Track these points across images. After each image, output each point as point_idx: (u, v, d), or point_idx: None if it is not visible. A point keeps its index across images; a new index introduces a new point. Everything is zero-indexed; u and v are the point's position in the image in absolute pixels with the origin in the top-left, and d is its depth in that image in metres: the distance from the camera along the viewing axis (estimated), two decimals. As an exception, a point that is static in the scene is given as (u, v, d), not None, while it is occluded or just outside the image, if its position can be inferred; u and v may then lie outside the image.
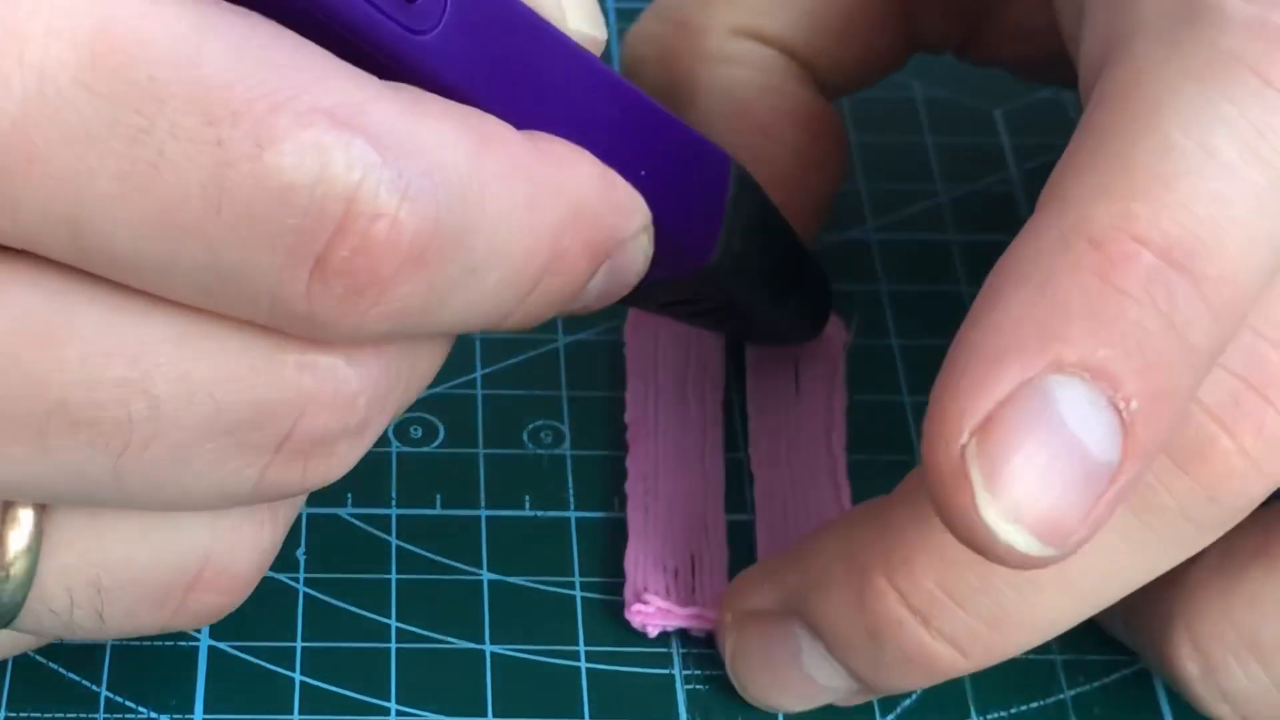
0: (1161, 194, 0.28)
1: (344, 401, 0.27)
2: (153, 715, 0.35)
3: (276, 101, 0.25)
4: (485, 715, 0.35)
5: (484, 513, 0.38)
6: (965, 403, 0.27)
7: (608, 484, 0.39)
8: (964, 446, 0.27)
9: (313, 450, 0.28)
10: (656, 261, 0.32)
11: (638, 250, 0.30)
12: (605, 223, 0.29)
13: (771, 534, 0.38)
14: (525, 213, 0.27)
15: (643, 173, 0.31)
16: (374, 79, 0.26)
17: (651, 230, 0.31)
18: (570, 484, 0.39)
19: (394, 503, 0.38)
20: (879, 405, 0.41)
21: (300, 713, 0.35)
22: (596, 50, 0.31)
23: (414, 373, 0.29)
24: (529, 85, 0.29)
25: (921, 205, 0.45)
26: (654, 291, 0.33)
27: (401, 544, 0.38)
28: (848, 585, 0.33)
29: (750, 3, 0.40)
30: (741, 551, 0.38)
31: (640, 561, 0.37)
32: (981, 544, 0.27)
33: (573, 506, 0.39)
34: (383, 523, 0.38)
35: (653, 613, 0.36)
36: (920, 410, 0.41)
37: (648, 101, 0.32)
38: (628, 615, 0.36)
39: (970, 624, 0.31)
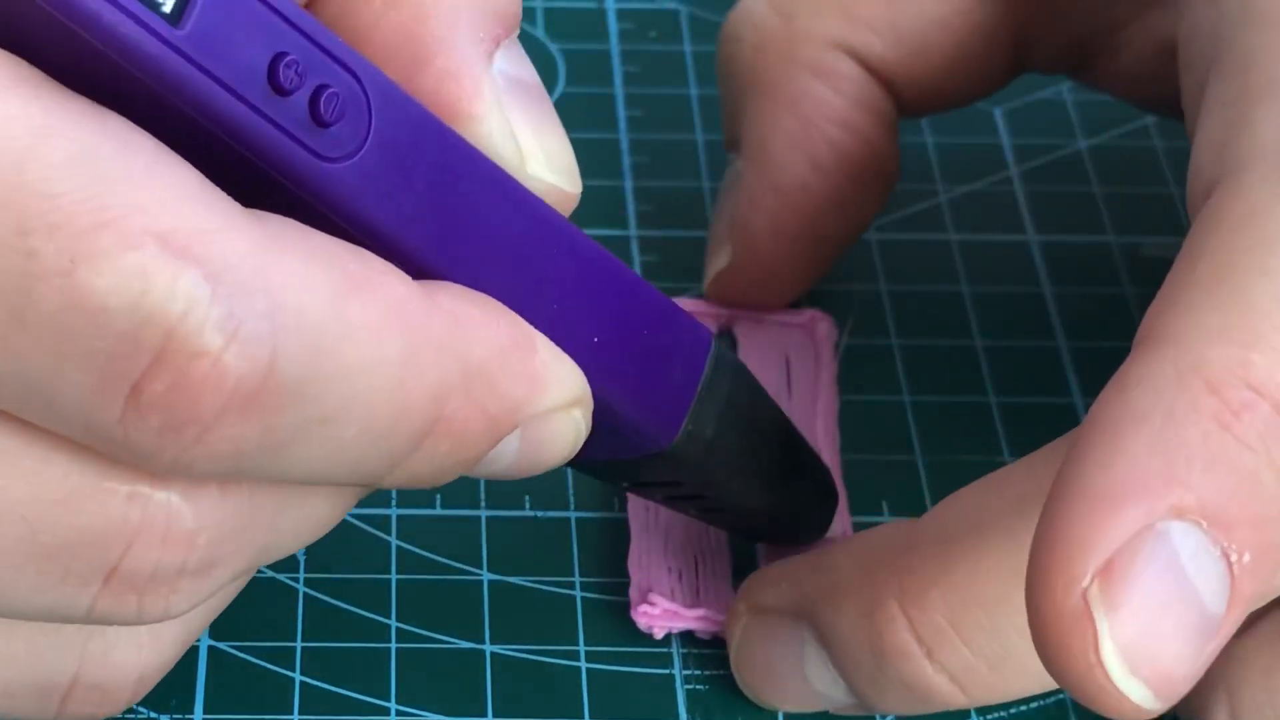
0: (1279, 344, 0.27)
1: (178, 539, 0.26)
2: (153, 715, 0.35)
3: (103, 219, 0.23)
4: (485, 715, 0.35)
5: (484, 513, 0.38)
6: (1087, 543, 0.26)
7: (608, 484, 0.39)
8: (1085, 590, 0.26)
9: (147, 586, 0.27)
10: (607, 435, 0.30)
11: (564, 426, 0.29)
12: (509, 392, 0.28)
13: (773, 544, 0.38)
14: (396, 370, 0.26)
15: (595, 339, 0.29)
16: (236, 207, 0.25)
17: (588, 405, 0.29)
18: (570, 484, 0.39)
19: (394, 503, 0.38)
20: (879, 405, 0.41)
21: (300, 713, 0.35)
22: (564, 204, 0.30)
23: (279, 521, 0.28)
24: (461, 230, 0.27)
25: (921, 205, 0.45)
26: (618, 469, 0.32)
27: (401, 544, 0.38)
28: (860, 603, 0.32)
29: (862, 16, 0.39)
30: (743, 551, 0.38)
31: (644, 563, 0.37)
32: (1095, 692, 0.26)
33: (573, 506, 0.39)
34: (383, 523, 0.38)
35: (659, 614, 0.36)
36: (920, 410, 0.41)
37: (616, 264, 0.30)
38: (634, 616, 0.36)
39: (973, 663, 0.31)
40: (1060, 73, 0.41)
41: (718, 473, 0.33)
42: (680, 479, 0.33)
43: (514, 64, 0.30)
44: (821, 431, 0.39)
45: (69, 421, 0.25)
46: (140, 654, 0.29)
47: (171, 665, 0.31)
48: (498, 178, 0.28)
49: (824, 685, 0.34)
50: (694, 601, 0.36)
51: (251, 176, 0.25)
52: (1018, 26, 0.39)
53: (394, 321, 0.26)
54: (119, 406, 0.24)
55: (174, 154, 0.25)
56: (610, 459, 0.32)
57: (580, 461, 0.31)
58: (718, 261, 0.41)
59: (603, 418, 0.30)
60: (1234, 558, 0.26)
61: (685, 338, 0.32)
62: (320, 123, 0.25)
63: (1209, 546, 0.26)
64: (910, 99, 0.40)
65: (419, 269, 0.27)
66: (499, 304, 0.28)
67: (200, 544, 0.27)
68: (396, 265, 0.27)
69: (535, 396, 0.28)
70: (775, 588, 0.34)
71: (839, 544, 0.34)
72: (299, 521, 0.28)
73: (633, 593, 0.36)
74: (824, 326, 0.41)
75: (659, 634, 0.36)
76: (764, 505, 0.35)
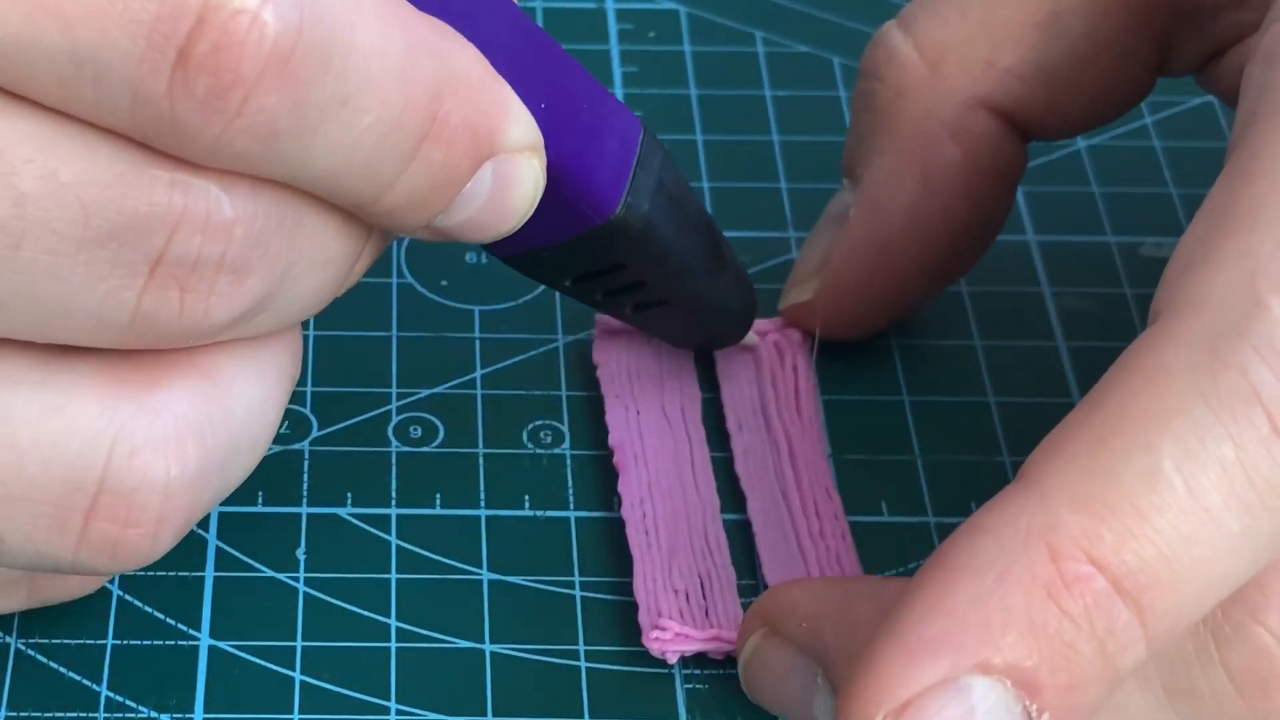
0: (1134, 525, 0.28)
1: (217, 226, 0.28)
2: (153, 715, 0.35)
3: None
4: (485, 715, 0.35)
5: (484, 513, 0.38)
6: (887, 683, 0.28)
7: (607, 484, 0.39)
8: None
9: (189, 279, 0.28)
10: (555, 208, 0.32)
11: (526, 169, 0.30)
12: (489, 111, 0.29)
13: (774, 553, 0.38)
14: (401, 59, 0.28)
15: (542, 106, 0.31)
16: None
17: (543, 155, 0.31)
18: (570, 484, 0.39)
19: (394, 503, 0.38)
20: (878, 405, 0.41)
21: (300, 712, 0.35)
22: None
23: (299, 234, 0.29)
24: None
25: (921, 205, 0.45)
26: (561, 256, 0.33)
27: (401, 544, 0.38)
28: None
29: (1011, 67, 0.38)
30: (747, 569, 0.38)
31: (650, 587, 0.37)
32: None
33: (573, 506, 0.39)
34: (383, 523, 0.38)
35: (671, 638, 0.36)
36: (918, 410, 0.41)
37: (554, 44, 0.32)
38: (646, 643, 0.36)
39: None
40: (1193, 70, 0.41)
41: (654, 251, 0.34)
42: (622, 259, 0.34)
43: None
44: (808, 437, 0.39)
45: (118, 98, 0.26)
46: (165, 461, 0.30)
47: (196, 499, 0.30)
48: None
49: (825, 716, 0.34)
50: (704, 622, 0.36)
51: None
52: (1159, 44, 0.39)
53: (397, 17, 0.28)
54: (166, 75, 0.26)
55: None
56: (558, 241, 0.33)
57: (529, 248, 0.33)
58: (800, 294, 0.41)
59: (552, 185, 0.32)
60: (1034, 716, 0.28)
61: (618, 118, 0.33)
62: None
63: (1010, 703, 0.28)
64: (1051, 132, 0.40)
65: None
66: (466, 40, 0.30)
67: (237, 235, 0.28)
68: None
69: (507, 124, 0.30)
70: (794, 620, 0.34)
71: (864, 592, 0.34)
72: (317, 243, 0.30)
73: (642, 618, 0.36)
74: (796, 334, 0.41)
75: (672, 659, 0.36)
76: (695, 293, 0.36)
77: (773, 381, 0.41)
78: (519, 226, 0.31)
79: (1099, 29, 0.38)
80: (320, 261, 0.30)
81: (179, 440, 0.30)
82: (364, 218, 0.30)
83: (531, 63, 0.31)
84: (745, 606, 0.37)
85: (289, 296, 0.30)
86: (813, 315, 0.41)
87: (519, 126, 0.30)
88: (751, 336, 0.40)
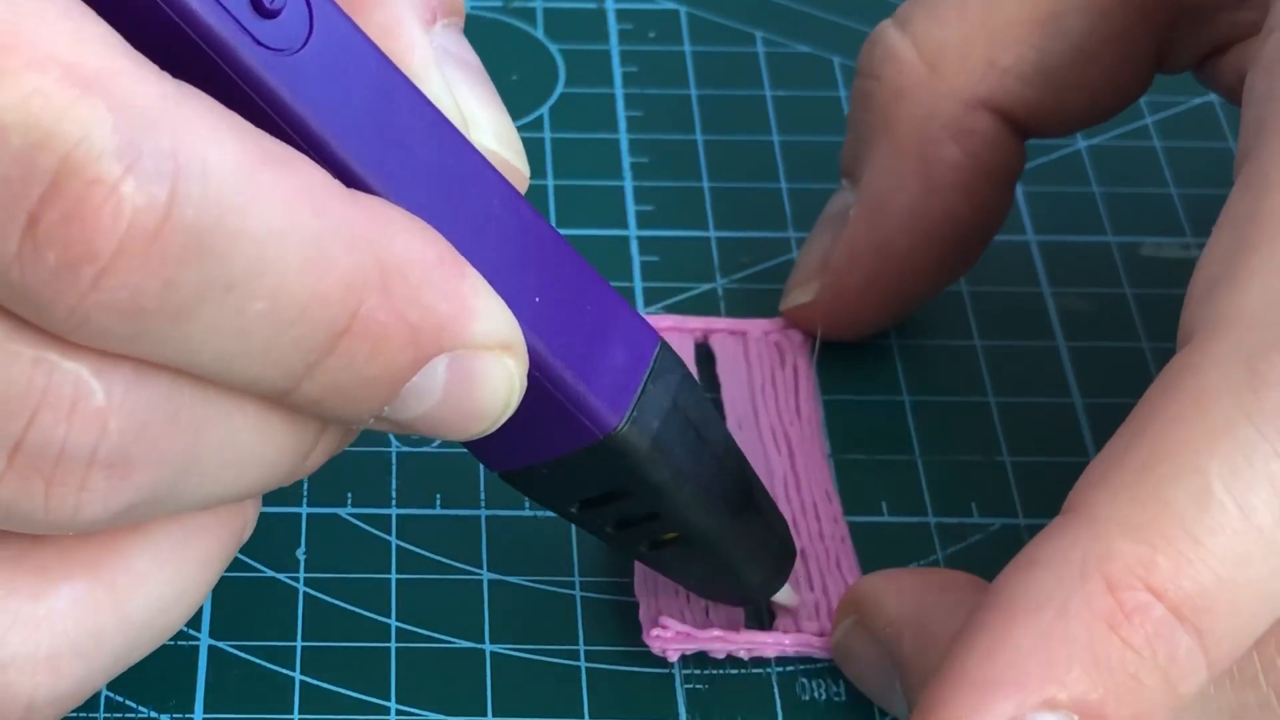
0: (1188, 549, 0.28)
1: (86, 416, 0.26)
2: (153, 715, 0.35)
3: (9, 43, 0.24)
4: (485, 715, 0.35)
5: (484, 513, 0.38)
6: None
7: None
8: None
9: (54, 471, 0.26)
10: (550, 418, 0.30)
11: (495, 368, 0.28)
12: (433, 305, 0.27)
13: None
14: (308, 248, 0.25)
15: (536, 299, 0.29)
16: (152, 65, 0.25)
17: (521, 356, 0.28)
18: (570, 484, 0.39)
19: (394, 503, 0.38)
20: (878, 405, 0.41)
21: (300, 713, 0.35)
22: (511, 179, 0.29)
23: (205, 431, 0.27)
24: (398, 154, 0.27)
25: (921, 205, 0.45)
26: (563, 476, 0.31)
27: (401, 544, 0.38)
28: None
29: (1010, 66, 0.38)
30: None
31: (650, 586, 0.37)
32: None
33: (573, 506, 0.39)
34: (383, 523, 0.38)
35: (672, 637, 0.36)
36: (919, 410, 0.41)
37: (563, 241, 0.30)
38: (647, 641, 0.36)
39: None
40: (1191, 66, 0.41)
41: (665, 477, 0.31)
42: (628, 485, 0.32)
43: (456, 44, 0.30)
44: (807, 438, 0.39)
45: None
46: (32, 681, 0.28)
47: (67, 707, 0.29)
48: (441, 120, 0.29)
49: (903, 714, 0.34)
50: (705, 622, 0.36)
51: (190, 61, 0.25)
52: (1158, 42, 0.39)
53: (308, 199, 0.26)
54: (15, 240, 0.24)
55: (96, 15, 0.25)
56: (555, 456, 0.31)
57: (525, 465, 0.31)
58: (802, 294, 0.41)
59: (545, 391, 0.29)
60: None
61: (632, 328, 0.31)
62: (262, 11, 0.26)
63: None
64: (1049, 130, 0.40)
65: (350, 184, 0.27)
66: (426, 224, 0.27)
67: (112, 429, 0.26)
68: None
69: (461, 320, 0.27)
70: (879, 620, 0.34)
71: (945, 604, 0.34)
72: (226, 444, 0.27)
73: (643, 617, 0.36)
74: (796, 335, 0.41)
75: (673, 657, 0.36)
76: (717, 534, 0.33)
77: (773, 382, 0.41)
78: (493, 429, 0.29)
79: (1098, 27, 0.38)
80: (240, 457, 0.28)
81: (52, 660, 0.28)
82: (292, 409, 0.28)
83: (527, 253, 0.29)
84: (745, 607, 0.37)
85: (200, 492, 0.28)
86: (814, 316, 0.41)
87: (483, 321, 0.28)
88: (789, 595, 0.36)
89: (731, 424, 0.40)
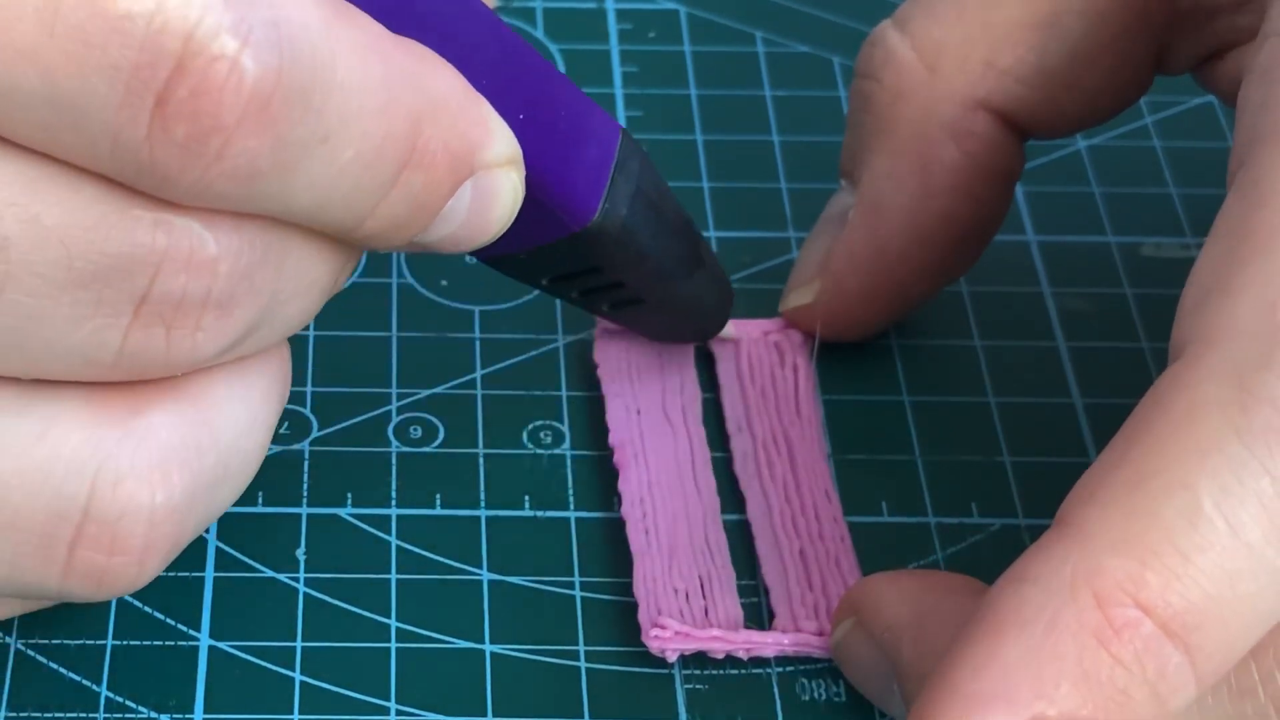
0: (1177, 565, 0.28)
1: (201, 263, 0.28)
2: (153, 715, 0.35)
3: None
4: (485, 715, 0.35)
5: (484, 513, 0.38)
6: None
7: (608, 484, 0.39)
8: None
9: (175, 316, 0.28)
10: (533, 215, 0.32)
11: (506, 183, 0.31)
12: (467, 132, 0.29)
13: (773, 555, 0.38)
14: (380, 91, 0.28)
15: (520, 116, 0.31)
16: None
17: (521, 168, 0.31)
18: (570, 484, 0.39)
19: (394, 503, 0.38)
20: (878, 405, 0.41)
21: (300, 713, 0.35)
22: None
23: (284, 265, 0.29)
24: (399, 7, 0.29)
25: (921, 205, 0.45)
26: (539, 259, 0.33)
27: (401, 544, 0.38)
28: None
29: (1009, 68, 0.38)
30: (747, 569, 0.38)
31: (649, 586, 0.37)
32: None
33: (573, 506, 0.39)
34: (383, 523, 0.38)
35: (671, 637, 0.36)
36: (919, 410, 0.41)
37: (531, 52, 0.32)
38: (645, 641, 0.36)
39: None
40: (1190, 69, 0.41)
41: (631, 254, 0.34)
42: (599, 263, 0.34)
43: None
44: (807, 438, 0.39)
45: (97, 143, 0.26)
46: (151, 489, 0.30)
47: (183, 525, 0.30)
48: None
49: (901, 715, 0.34)
50: (704, 622, 0.36)
51: None
52: (1157, 45, 0.39)
53: (376, 49, 0.28)
54: (145, 120, 0.26)
55: None
56: (535, 245, 0.33)
57: (506, 252, 0.33)
58: (801, 296, 0.41)
59: (530, 194, 0.32)
60: None
61: (597, 123, 0.34)
62: None
63: None
64: (1048, 132, 0.40)
65: None
66: (445, 60, 0.30)
67: (221, 272, 0.28)
68: None
69: (486, 142, 0.30)
70: (879, 622, 0.35)
71: (943, 609, 0.34)
72: (302, 270, 0.30)
73: (642, 617, 0.36)
74: (796, 335, 0.41)
75: (671, 657, 0.36)
76: (672, 294, 0.36)
77: (773, 382, 0.41)
78: (498, 237, 0.31)
79: (1098, 29, 0.38)
80: (305, 285, 0.30)
81: (164, 467, 0.30)
82: (345, 241, 0.30)
83: (510, 73, 0.31)
84: (744, 607, 0.37)
85: (276, 320, 0.30)
86: (814, 317, 0.41)
87: (498, 143, 0.30)
88: (729, 329, 0.40)
89: (731, 424, 0.40)
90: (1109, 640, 0.28)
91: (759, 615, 0.37)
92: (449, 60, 0.30)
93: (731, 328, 0.40)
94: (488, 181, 0.30)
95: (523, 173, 0.31)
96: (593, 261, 0.34)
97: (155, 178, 0.27)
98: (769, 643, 0.36)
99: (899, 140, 0.39)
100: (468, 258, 0.40)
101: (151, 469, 0.29)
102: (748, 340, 0.41)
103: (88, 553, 0.30)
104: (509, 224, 0.31)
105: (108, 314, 0.28)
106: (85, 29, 0.25)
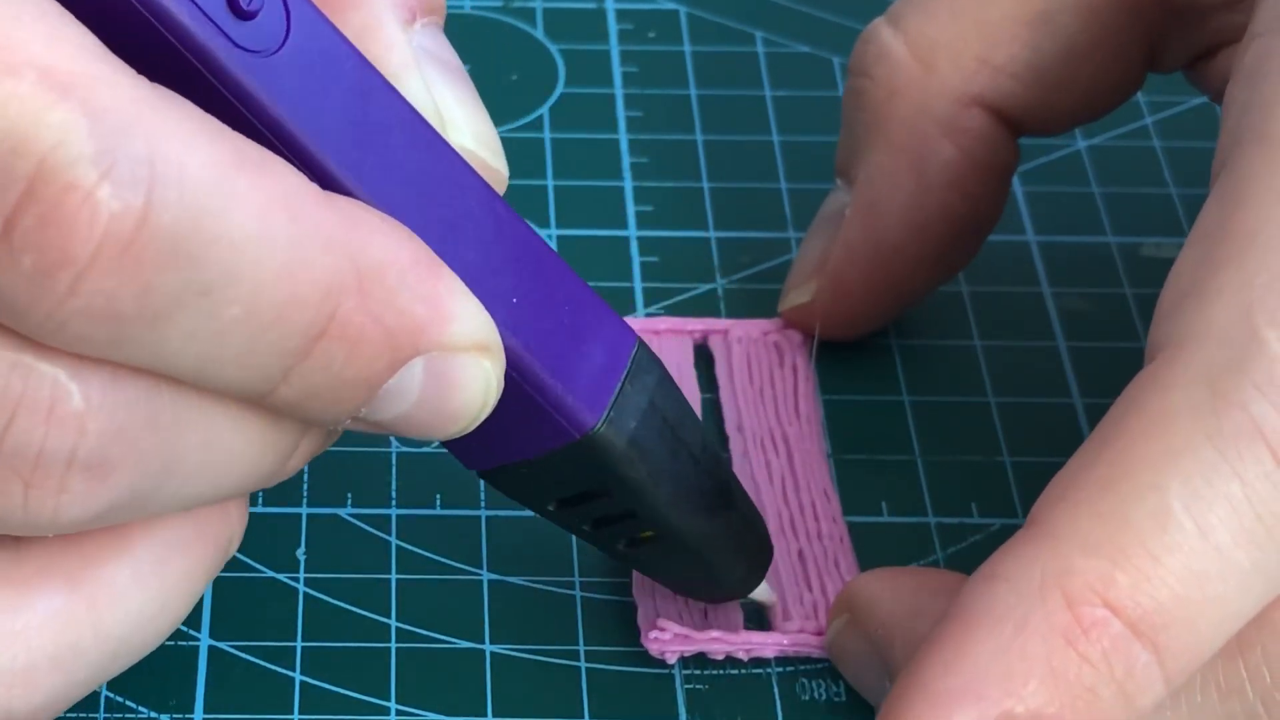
0: (1147, 567, 0.28)
1: (65, 418, 0.26)
2: (153, 715, 0.35)
3: None
4: (485, 715, 0.35)
5: (484, 513, 0.38)
6: None
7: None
8: None
9: (33, 474, 0.26)
10: (528, 418, 0.30)
11: (473, 369, 0.28)
12: (409, 308, 0.27)
13: (774, 553, 0.38)
14: (283, 251, 0.26)
15: (514, 300, 0.29)
16: (129, 69, 0.25)
17: (499, 356, 0.29)
18: (570, 484, 0.39)
19: (394, 503, 0.38)
20: (878, 405, 0.41)
21: (300, 713, 0.35)
22: (490, 180, 0.30)
23: (183, 432, 0.27)
24: (375, 157, 0.27)
25: (921, 205, 0.45)
26: (541, 474, 0.31)
27: (401, 544, 0.38)
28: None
29: (1003, 64, 0.38)
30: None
31: (649, 588, 0.37)
32: None
33: (573, 506, 0.39)
34: (383, 523, 0.38)
35: (670, 639, 0.36)
36: (919, 410, 0.41)
37: (542, 241, 0.30)
38: (645, 643, 0.36)
39: None
40: (1181, 66, 0.41)
41: (641, 476, 0.32)
42: (606, 484, 0.32)
43: (436, 43, 0.30)
44: (806, 438, 0.39)
45: None
46: (9, 694, 0.28)
47: (46, 718, 0.29)
48: (418, 121, 0.29)
49: None
50: (703, 623, 0.36)
51: (166, 64, 0.25)
52: (1150, 42, 0.39)
53: (284, 204, 0.26)
54: None
55: (72, 17, 0.25)
56: (533, 456, 0.31)
57: (503, 463, 0.31)
58: (800, 295, 0.41)
59: (523, 391, 0.30)
60: None
61: (610, 328, 0.31)
62: (239, 13, 0.26)
63: None
64: (1041, 129, 0.40)
65: (326, 186, 0.27)
66: (403, 226, 0.27)
67: (90, 431, 0.26)
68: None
69: (438, 322, 0.27)
70: (872, 620, 0.35)
71: (936, 609, 0.34)
72: (206, 445, 0.28)
73: (641, 619, 0.36)
74: (796, 335, 0.41)
75: (671, 659, 0.36)
76: (694, 533, 0.33)
77: (772, 382, 0.41)
78: (469, 429, 0.29)
79: (1090, 27, 0.38)
80: (220, 458, 0.28)
81: (29, 672, 0.28)
82: (271, 411, 0.28)
83: (504, 254, 0.29)
84: (744, 608, 0.37)
85: (181, 493, 0.28)
86: (813, 316, 0.41)
87: (460, 323, 0.28)
88: (766, 591, 0.36)
89: (730, 425, 0.40)
90: (1077, 639, 0.28)
91: (758, 616, 0.37)
92: (427, 222, 0.28)
93: (766, 590, 0.36)
94: (446, 365, 0.28)
95: (500, 361, 0.29)
96: (599, 481, 0.32)
97: (4, 307, 0.25)
98: (768, 643, 0.36)
99: (894, 137, 0.39)
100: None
101: (14, 674, 0.28)
102: (747, 340, 0.41)
103: None
104: (481, 415, 0.29)
105: None
106: None
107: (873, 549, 0.38)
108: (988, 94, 0.38)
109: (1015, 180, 0.46)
